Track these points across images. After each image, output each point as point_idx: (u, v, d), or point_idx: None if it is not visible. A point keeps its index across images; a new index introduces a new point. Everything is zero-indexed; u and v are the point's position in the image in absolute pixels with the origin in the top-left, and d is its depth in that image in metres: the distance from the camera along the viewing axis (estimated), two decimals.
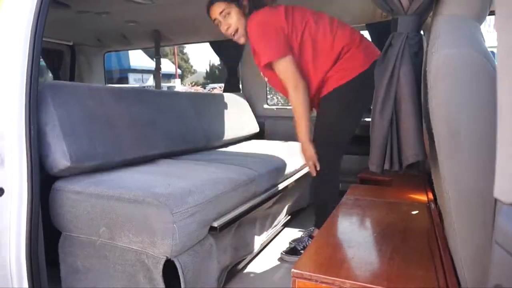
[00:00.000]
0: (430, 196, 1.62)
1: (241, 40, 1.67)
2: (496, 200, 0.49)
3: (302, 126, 1.62)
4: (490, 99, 0.64)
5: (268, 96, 3.27)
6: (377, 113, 0.96)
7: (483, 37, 0.81)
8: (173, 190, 1.27)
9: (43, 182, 1.33)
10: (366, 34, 2.51)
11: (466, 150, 0.73)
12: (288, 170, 2.06)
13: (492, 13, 1.34)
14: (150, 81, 15.56)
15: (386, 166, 0.94)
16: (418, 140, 0.90)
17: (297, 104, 1.60)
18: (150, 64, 14.97)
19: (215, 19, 1.66)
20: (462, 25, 0.84)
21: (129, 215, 1.23)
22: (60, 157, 1.37)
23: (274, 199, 1.92)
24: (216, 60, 25.78)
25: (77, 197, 1.34)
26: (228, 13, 1.61)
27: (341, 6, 2.32)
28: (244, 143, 2.73)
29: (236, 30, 1.64)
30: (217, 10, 1.62)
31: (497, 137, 0.48)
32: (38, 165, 1.22)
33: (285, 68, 1.56)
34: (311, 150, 1.65)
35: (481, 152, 0.69)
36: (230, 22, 1.62)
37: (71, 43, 3.51)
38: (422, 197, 1.62)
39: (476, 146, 0.71)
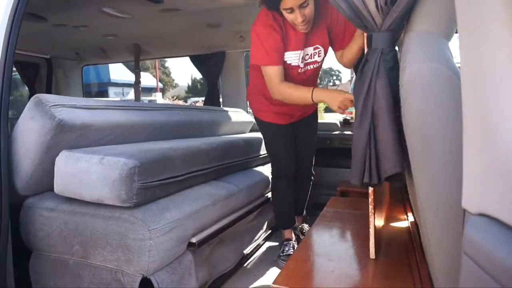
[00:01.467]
0: (408, 208, 1.64)
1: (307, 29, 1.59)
2: (464, 210, 0.50)
3: (307, 96, 1.54)
4: (459, 112, 0.66)
5: (249, 110, 3.28)
6: (356, 126, 0.98)
7: (451, 53, 0.84)
8: (150, 205, 1.24)
9: (14, 199, 1.28)
10: None
11: (437, 162, 0.75)
12: (268, 184, 2.05)
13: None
14: (131, 95, 15.39)
15: (366, 179, 0.95)
16: (396, 152, 0.92)
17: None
18: (131, 77, 14.71)
19: (289, 8, 1.47)
20: (431, 41, 0.87)
21: (104, 233, 1.20)
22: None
23: (254, 214, 1.90)
24: (198, 74, 25.81)
25: (49, 214, 1.29)
26: (308, 4, 1.47)
27: None
28: None
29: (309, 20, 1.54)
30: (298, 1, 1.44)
31: (463, 146, 0.50)
32: (7, 180, 1.18)
33: None
34: (338, 94, 1.48)
35: (452, 164, 0.71)
36: (307, 12, 1.49)
37: (48, 56, 3.45)
38: (400, 209, 1.64)
39: (447, 157, 0.73)
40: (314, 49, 1.74)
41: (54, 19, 2.35)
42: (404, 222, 1.51)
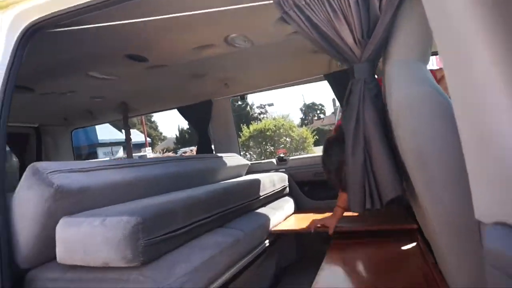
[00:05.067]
0: (415, 227, 1.63)
1: None
2: (479, 222, 0.51)
3: None
4: (448, 128, 0.69)
5: (241, 154, 3.31)
6: (349, 156, 1.00)
7: (430, 75, 0.89)
8: (158, 262, 1.21)
9: (15, 273, 1.24)
10: (325, 83, 2.68)
11: (439, 179, 0.76)
12: (271, 224, 2.03)
13: (434, 53, 1.47)
14: (120, 153, 15.38)
15: (368, 206, 0.96)
16: (393, 175, 0.93)
17: None
18: (118, 136, 14.89)
19: None
20: (410, 67, 0.92)
21: None
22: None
23: (262, 257, 1.86)
24: (184, 124, 26.07)
25: (54, 285, 1.24)
26: None
27: (302, 62, 2.48)
28: None
29: None
30: None
31: (465, 160, 0.51)
32: (7, 255, 1.14)
33: None
34: None
35: (454, 178, 0.72)
36: None
37: (36, 125, 3.47)
38: (407, 230, 1.63)
39: (448, 173, 0.74)
40: None
41: (41, 88, 2.39)
42: (414, 242, 1.49)
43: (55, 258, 1.24)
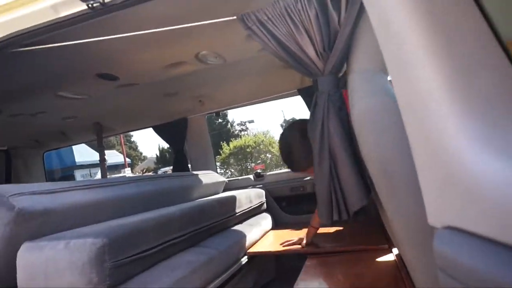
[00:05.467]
0: (387, 239, 1.64)
1: None
2: (432, 227, 0.51)
3: None
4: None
5: (221, 171, 3.29)
6: (316, 165, 1.00)
7: (391, 85, 0.91)
8: (126, 284, 1.16)
9: None
10: (299, 98, 2.71)
11: (402, 188, 0.77)
12: (248, 241, 2.00)
13: None
14: (98, 175, 15.02)
15: (335, 217, 0.96)
16: (358, 185, 0.94)
17: None
18: (97, 157, 14.54)
19: None
20: (371, 78, 0.94)
21: None
22: None
23: (239, 276, 1.82)
24: (165, 144, 25.78)
25: None
26: None
27: (275, 77, 2.51)
28: None
29: None
30: None
31: (415, 166, 0.52)
32: None
33: None
34: None
35: (417, 186, 0.73)
36: None
37: (5, 148, 3.35)
38: (381, 241, 1.64)
39: (410, 181, 0.75)
40: None
41: (9, 110, 2.32)
42: (388, 254, 1.49)
43: (16, 286, 1.17)
